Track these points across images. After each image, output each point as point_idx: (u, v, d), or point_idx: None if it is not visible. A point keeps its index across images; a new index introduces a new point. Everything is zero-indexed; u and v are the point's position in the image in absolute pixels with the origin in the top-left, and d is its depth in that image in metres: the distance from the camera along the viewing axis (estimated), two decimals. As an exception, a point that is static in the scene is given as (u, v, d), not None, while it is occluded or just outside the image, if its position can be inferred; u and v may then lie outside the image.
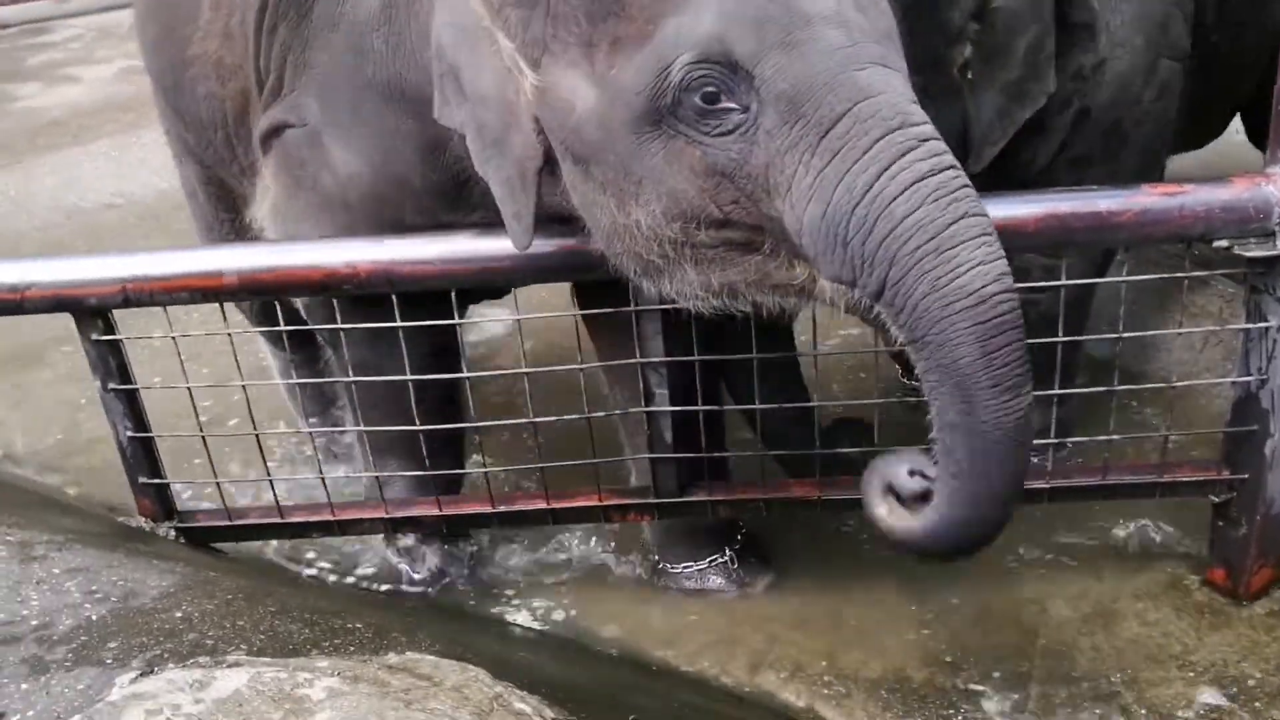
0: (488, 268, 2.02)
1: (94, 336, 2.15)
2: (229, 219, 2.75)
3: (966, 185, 1.52)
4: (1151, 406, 2.57)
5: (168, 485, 2.31)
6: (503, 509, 2.25)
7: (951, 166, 1.53)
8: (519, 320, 2.16)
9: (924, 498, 1.61)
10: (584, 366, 2.12)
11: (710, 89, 1.58)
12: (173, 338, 2.17)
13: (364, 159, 2.10)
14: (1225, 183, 1.89)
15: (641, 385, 2.10)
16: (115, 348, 2.17)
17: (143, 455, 2.26)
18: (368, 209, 2.13)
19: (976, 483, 1.55)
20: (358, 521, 2.30)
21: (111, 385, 2.18)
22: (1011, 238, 1.86)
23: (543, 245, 1.93)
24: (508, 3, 1.71)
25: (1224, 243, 1.90)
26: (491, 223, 1.94)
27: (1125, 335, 2.00)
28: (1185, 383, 2.02)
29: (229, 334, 2.16)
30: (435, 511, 2.26)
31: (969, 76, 2.16)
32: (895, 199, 1.50)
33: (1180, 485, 2.13)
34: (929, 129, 1.55)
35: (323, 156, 2.14)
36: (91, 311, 2.12)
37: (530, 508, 2.26)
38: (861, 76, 1.54)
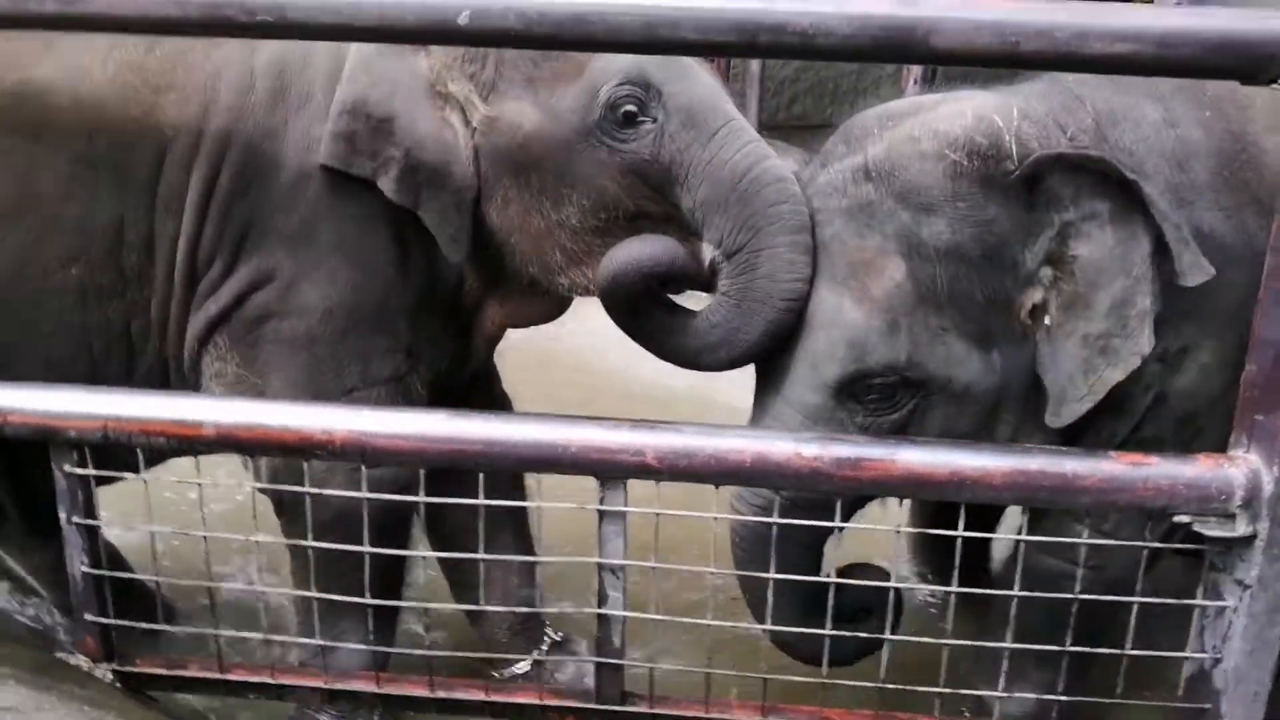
0: (460, 450, 2.04)
1: (67, 468, 2.16)
2: None
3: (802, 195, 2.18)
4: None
5: (112, 627, 2.29)
6: (441, 694, 2.21)
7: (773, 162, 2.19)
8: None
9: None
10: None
11: (629, 107, 2.16)
12: (143, 479, 2.18)
13: (345, 287, 2.32)
14: (1191, 459, 1.92)
15: (597, 585, 2.09)
16: (86, 482, 2.17)
17: (93, 592, 2.24)
18: (335, 343, 2.33)
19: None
20: (296, 688, 2.26)
21: (75, 519, 2.18)
22: (980, 488, 1.92)
23: (518, 434, 2.01)
24: (462, 58, 2.23)
25: (1185, 518, 1.92)
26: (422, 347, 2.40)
27: (1082, 597, 2.00)
28: (1140, 652, 2.00)
29: (199, 483, 2.17)
30: (373, 688, 2.23)
31: (1046, 323, 2.13)
32: (769, 185, 2.15)
33: (1130, 759, 2.09)
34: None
35: (294, 302, 2.31)
36: (69, 443, 2.14)
37: (469, 697, 2.22)
38: (726, 107, 2.24)
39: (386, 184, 2.26)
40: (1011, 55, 1.75)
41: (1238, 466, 1.89)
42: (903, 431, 2.15)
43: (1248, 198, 2.17)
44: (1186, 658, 2.02)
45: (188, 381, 2.42)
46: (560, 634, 2.73)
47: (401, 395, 2.42)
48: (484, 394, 2.85)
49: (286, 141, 2.28)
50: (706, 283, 2.22)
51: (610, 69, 2.16)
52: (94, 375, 2.36)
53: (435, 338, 2.48)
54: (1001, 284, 2.10)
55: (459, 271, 2.42)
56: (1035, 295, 2.12)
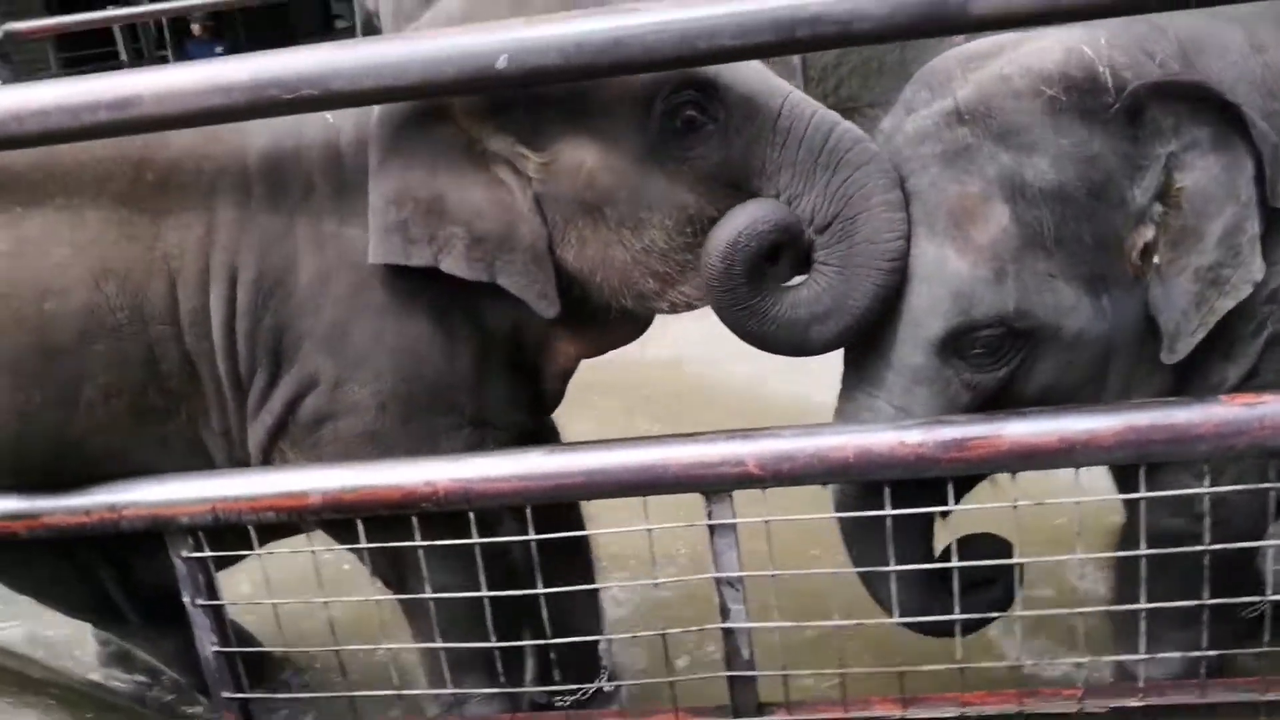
0: (562, 484, 2.05)
1: (184, 554, 2.21)
2: None
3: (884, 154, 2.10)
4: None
5: (249, 700, 2.34)
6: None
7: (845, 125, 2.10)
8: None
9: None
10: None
11: (690, 113, 2.04)
12: (257, 554, 2.23)
13: (395, 379, 2.22)
14: (1309, 393, 1.86)
15: (718, 601, 2.08)
16: (204, 564, 2.22)
17: (227, 669, 2.29)
18: (397, 433, 2.25)
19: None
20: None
21: (199, 601, 2.24)
22: (1091, 451, 1.88)
23: (618, 461, 2.02)
24: (488, 112, 2.07)
25: (1311, 455, 1.86)
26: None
27: (1212, 548, 1.94)
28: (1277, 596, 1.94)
29: (313, 551, 2.22)
30: (514, 729, 2.26)
31: (1155, 262, 2.04)
32: (846, 153, 2.06)
33: (1284, 705, 2.03)
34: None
35: (345, 402, 2.23)
36: (183, 530, 2.19)
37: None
38: (777, 83, 2.11)
39: (453, 264, 2.13)
40: (1052, 9, 1.72)
41: (1359, 394, 1.83)
42: (1010, 386, 2.08)
43: None
44: (1333, 596, 1.96)
45: None
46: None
47: None
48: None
49: (297, 242, 2.20)
50: (806, 255, 2.12)
51: (657, 78, 2.00)
52: None
53: (503, 397, 2.37)
54: (1111, 223, 2.02)
55: (510, 322, 2.29)
56: (1147, 234, 2.03)
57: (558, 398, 2.54)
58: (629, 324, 2.34)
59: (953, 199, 2.02)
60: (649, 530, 2.08)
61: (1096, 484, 2.19)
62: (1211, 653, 2.00)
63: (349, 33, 15.79)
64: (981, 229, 2.00)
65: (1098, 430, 1.87)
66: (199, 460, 2.33)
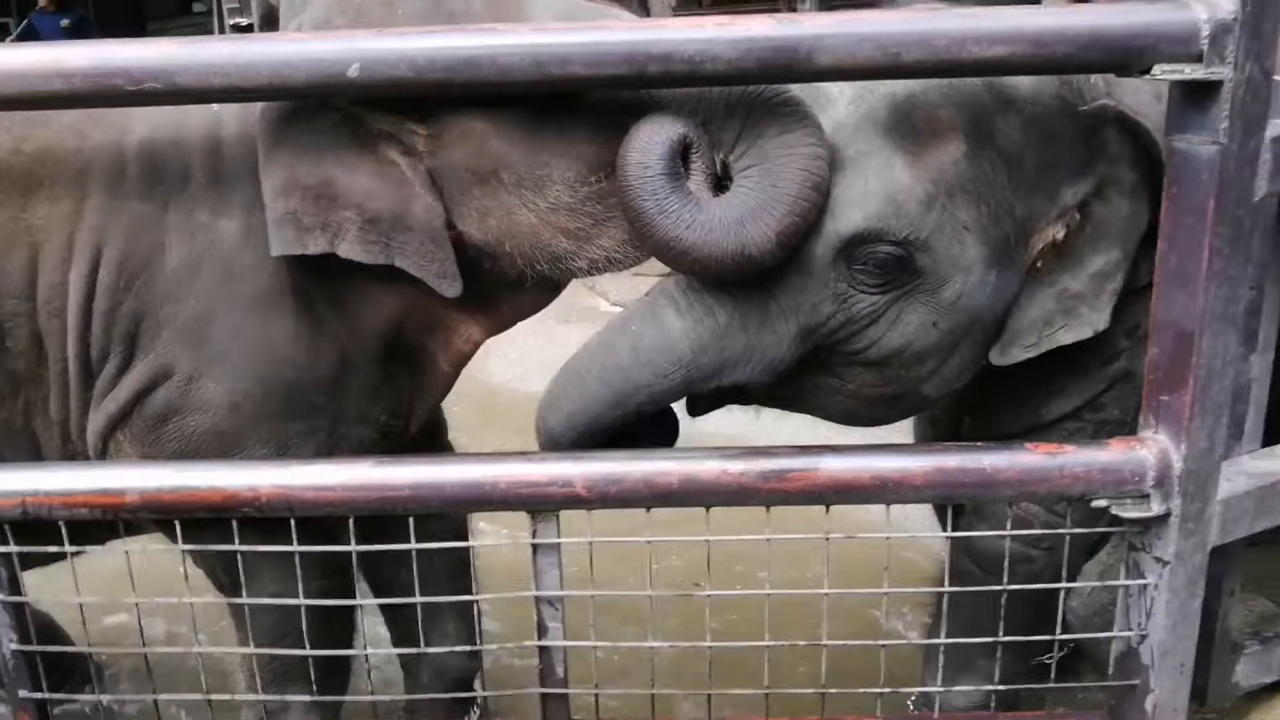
0: (387, 496, 2.04)
1: (-11, 548, 2.13)
2: None
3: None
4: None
5: (48, 700, 2.26)
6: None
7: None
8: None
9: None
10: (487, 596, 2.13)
11: None
12: (68, 551, 2.16)
13: (253, 378, 2.20)
14: (1103, 445, 1.98)
15: (536, 619, 2.10)
16: (7, 560, 2.14)
17: (25, 669, 2.21)
18: (243, 434, 2.22)
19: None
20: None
21: (1, 596, 2.16)
22: (903, 489, 1.96)
23: (445, 475, 2.02)
24: None
25: (1103, 502, 1.97)
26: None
27: (1009, 588, 2.04)
28: (1070, 636, 2.06)
29: (126, 551, 2.16)
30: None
31: (1037, 265, 2.11)
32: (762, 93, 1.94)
33: (1067, 738, 2.14)
34: None
35: (197, 397, 2.20)
36: (-14, 522, 2.11)
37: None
38: None
39: (349, 249, 2.09)
40: (895, 66, 1.80)
41: (1148, 448, 1.95)
42: (870, 326, 2.08)
43: None
44: (1114, 637, 2.07)
45: None
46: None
47: None
48: (430, 444, 2.72)
49: (168, 229, 2.16)
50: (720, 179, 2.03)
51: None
52: None
53: (367, 396, 2.33)
54: (1038, 209, 2.07)
55: (392, 313, 2.27)
56: (1059, 231, 2.10)
57: (445, 387, 2.48)
58: (539, 293, 2.29)
59: (925, 113, 2.01)
60: (470, 546, 2.10)
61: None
62: (1001, 687, 2.11)
63: (205, 17, 15.38)
64: (935, 152, 2.01)
65: (910, 470, 1.95)
66: (23, 451, 2.27)
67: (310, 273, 2.16)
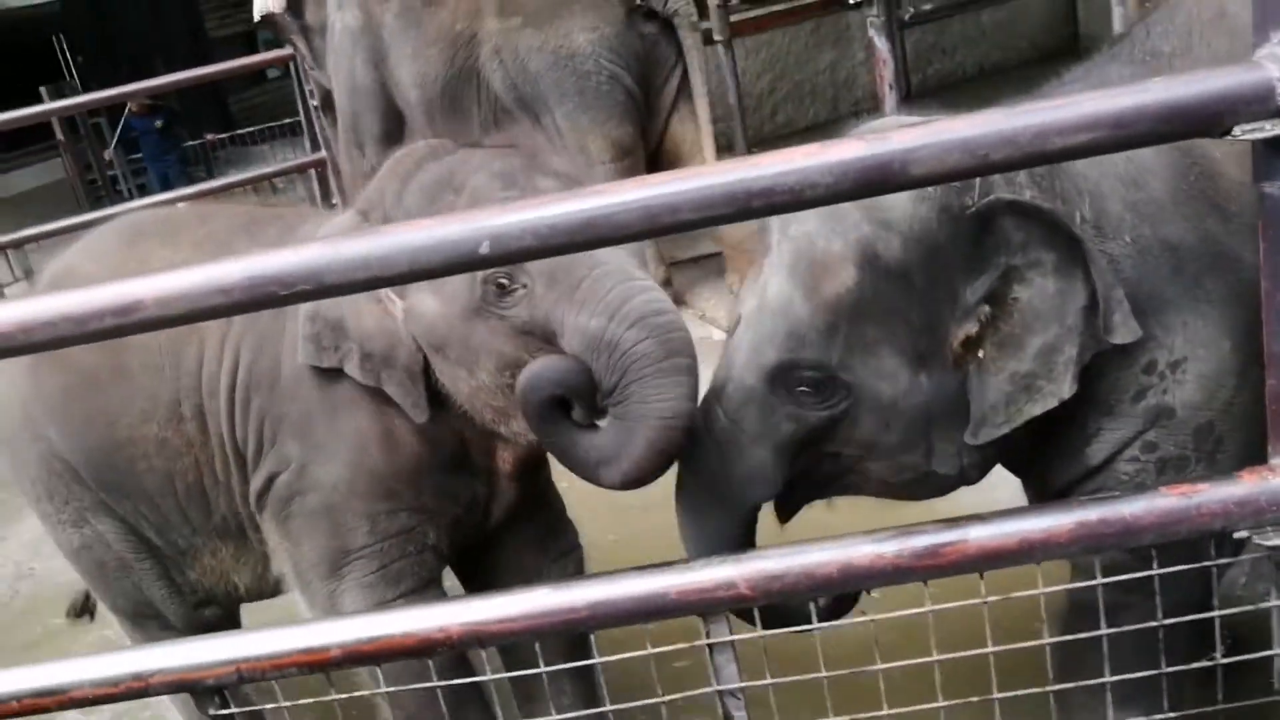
0: (568, 619, 2.19)
1: (212, 712, 2.33)
2: (151, 568, 3.27)
3: (676, 319, 2.48)
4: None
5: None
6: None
7: (667, 307, 2.49)
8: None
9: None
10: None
11: (501, 279, 2.50)
12: (284, 708, 2.35)
13: (345, 465, 2.79)
14: (1235, 478, 2.05)
15: (721, 712, 2.24)
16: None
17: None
18: (346, 509, 2.82)
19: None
20: None
21: (229, 750, 2.36)
22: (1050, 547, 2.06)
23: (620, 592, 2.16)
24: None
25: (1244, 533, 2.05)
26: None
27: (1165, 622, 2.13)
28: (1231, 659, 2.13)
29: (334, 700, 2.34)
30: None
31: (980, 355, 2.27)
32: (629, 328, 2.42)
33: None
34: (649, 282, 2.49)
35: (308, 481, 2.80)
36: (209, 691, 2.31)
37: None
38: (595, 254, 2.42)
39: (352, 370, 2.73)
40: (986, 166, 1.90)
41: (1279, 475, 2.03)
42: (836, 431, 2.37)
43: (1207, 206, 2.28)
44: (1275, 655, 2.15)
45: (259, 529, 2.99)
46: None
47: (413, 544, 2.89)
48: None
49: (285, 344, 2.78)
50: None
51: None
52: (183, 512, 3.00)
53: (444, 490, 2.90)
54: (939, 312, 2.24)
55: (454, 427, 2.83)
56: (970, 328, 2.25)
57: (513, 496, 3.07)
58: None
59: (817, 251, 2.26)
60: (650, 654, 2.24)
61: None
62: (1173, 714, 2.20)
63: (281, 80, 15.80)
64: (829, 284, 2.24)
65: (1053, 529, 2.04)
66: (195, 506, 2.97)
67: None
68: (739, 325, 2.40)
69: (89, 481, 3.12)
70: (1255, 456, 2.30)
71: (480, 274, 2.48)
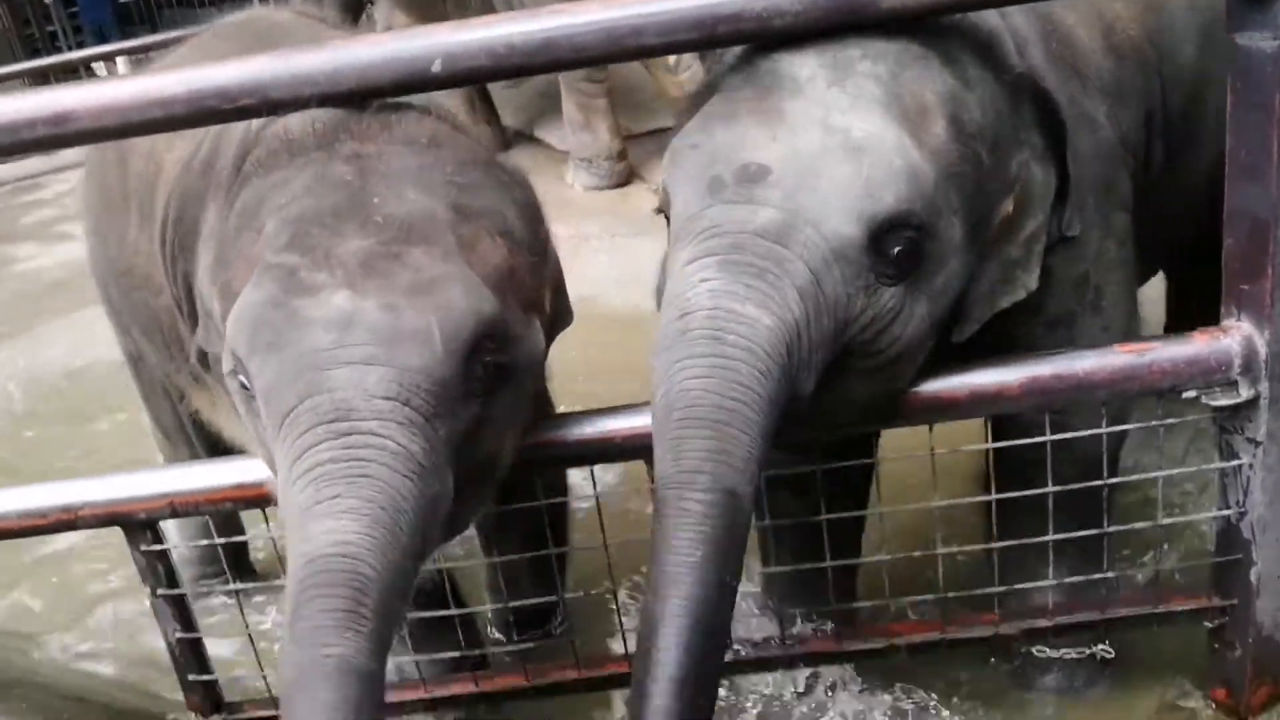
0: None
1: (143, 547, 2.27)
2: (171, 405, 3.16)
3: (360, 465, 1.65)
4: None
5: (215, 681, 2.42)
6: (537, 681, 2.37)
7: (361, 456, 1.65)
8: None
9: None
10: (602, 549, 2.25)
11: (233, 370, 1.81)
12: (218, 543, 2.31)
13: None
14: (1187, 338, 2.05)
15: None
16: (163, 556, 2.29)
17: (191, 654, 2.37)
18: None
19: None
20: (398, 704, 2.40)
21: (160, 591, 2.30)
22: (999, 402, 2.05)
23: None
24: None
25: (1192, 393, 2.06)
26: None
27: (1111, 481, 2.14)
28: (1170, 519, 2.16)
29: (272, 538, 2.29)
30: (472, 688, 2.38)
31: (987, 238, 2.03)
32: (297, 480, 1.67)
33: (1175, 615, 2.25)
34: (366, 422, 1.67)
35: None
36: (140, 525, 2.25)
37: (564, 678, 2.38)
38: (325, 375, 1.69)
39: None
40: (958, 2, 1.85)
41: (1232, 336, 2.02)
42: (895, 320, 1.87)
43: (1069, 70, 2.21)
44: (1215, 516, 2.17)
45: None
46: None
47: None
48: None
49: (205, 214, 2.25)
50: None
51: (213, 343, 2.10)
52: (168, 349, 2.77)
53: None
54: (999, 184, 2.01)
55: None
56: (1009, 206, 2.03)
57: None
58: None
59: (913, 93, 1.89)
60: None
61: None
62: (1110, 574, 2.22)
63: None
64: (931, 132, 1.88)
65: (1005, 382, 2.03)
66: (177, 349, 2.68)
67: None
68: (782, 159, 1.83)
69: (111, 310, 3.13)
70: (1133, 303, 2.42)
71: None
